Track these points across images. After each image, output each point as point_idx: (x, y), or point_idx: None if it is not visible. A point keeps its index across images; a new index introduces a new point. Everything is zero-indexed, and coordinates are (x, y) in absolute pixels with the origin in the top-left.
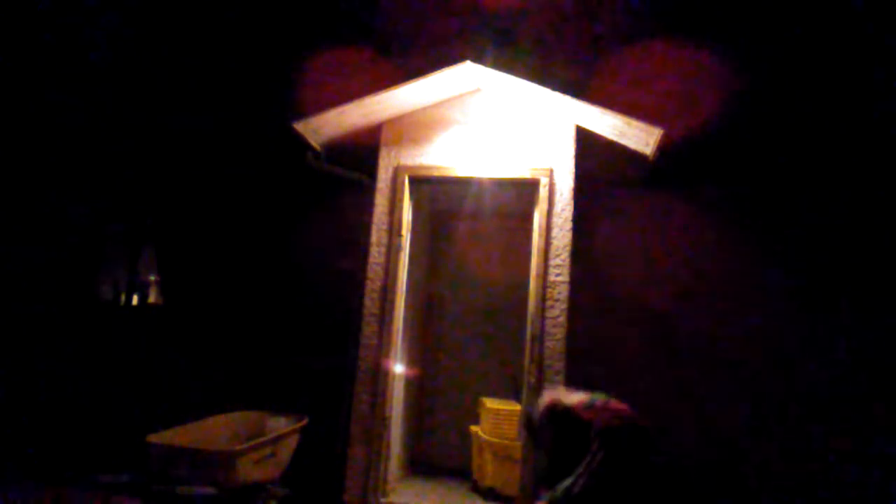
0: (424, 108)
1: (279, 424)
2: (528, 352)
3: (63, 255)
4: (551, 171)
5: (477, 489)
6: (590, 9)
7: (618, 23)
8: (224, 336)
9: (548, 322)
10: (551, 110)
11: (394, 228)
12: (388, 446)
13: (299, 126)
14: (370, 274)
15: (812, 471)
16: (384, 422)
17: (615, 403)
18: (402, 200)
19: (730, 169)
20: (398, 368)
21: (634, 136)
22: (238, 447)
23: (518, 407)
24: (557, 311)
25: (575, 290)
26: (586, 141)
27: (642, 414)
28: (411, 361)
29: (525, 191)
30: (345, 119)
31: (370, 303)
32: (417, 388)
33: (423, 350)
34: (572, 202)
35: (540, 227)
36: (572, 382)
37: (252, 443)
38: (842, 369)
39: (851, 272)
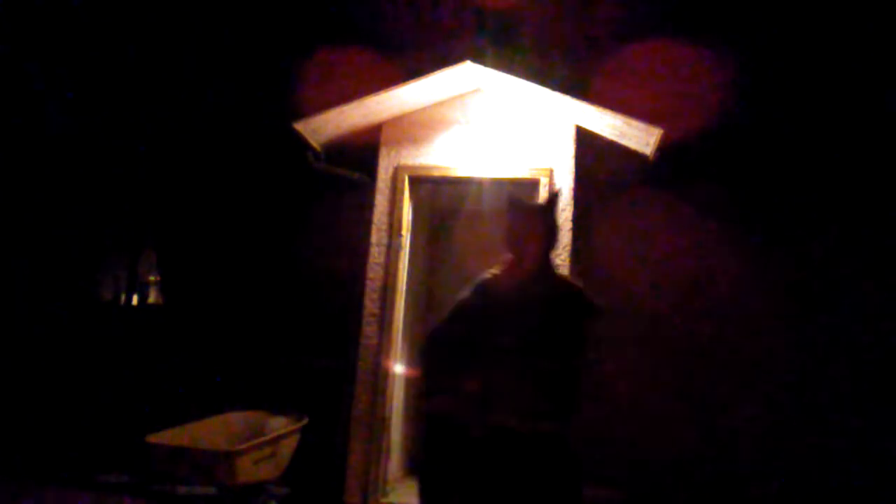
0: (424, 108)
1: (279, 424)
2: None
3: (63, 255)
4: (551, 171)
5: None
6: (590, 8)
7: (618, 22)
8: (224, 336)
9: None
10: (551, 110)
11: (394, 228)
12: (388, 446)
13: (299, 126)
14: (370, 274)
15: (813, 471)
16: (384, 422)
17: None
18: (402, 200)
19: (730, 169)
20: (398, 368)
21: (634, 136)
22: (238, 447)
23: None
24: None
25: None
26: (586, 141)
27: (641, 413)
28: (411, 362)
29: (525, 191)
30: (345, 119)
31: (370, 303)
32: (417, 388)
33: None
34: (572, 202)
35: None
36: None
37: (252, 443)
38: (843, 369)
39: (852, 272)
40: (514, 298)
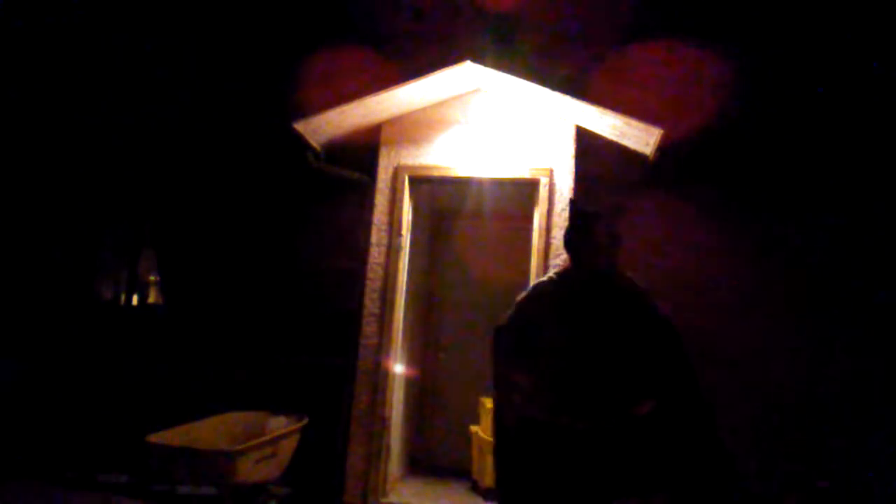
0: (424, 108)
1: (279, 424)
2: None
3: (63, 255)
4: (551, 171)
5: (477, 489)
6: (590, 8)
7: (618, 22)
8: (224, 336)
9: None
10: (551, 110)
11: (394, 228)
12: (388, 446)
13: (299, 126)
14: (370, 274)
15: (813, 470)
16: (384, 422)
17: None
18: (402, 200)
19: (730, 169)
20: (398, 368)
21: (634, 136)
22: (238, 447)
23: None
24: None
25: None
26: (586, 141)
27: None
28: (411, 361)
29: (525, 191)
30: (345, 119)
31: (370, 303)
32: (417, 388)
33: (423, 350)
34: None
35: (540, 227)
36: None
37: (252, 443)
38: (840, 370)
39: (851, 273)
40: (566, 300)
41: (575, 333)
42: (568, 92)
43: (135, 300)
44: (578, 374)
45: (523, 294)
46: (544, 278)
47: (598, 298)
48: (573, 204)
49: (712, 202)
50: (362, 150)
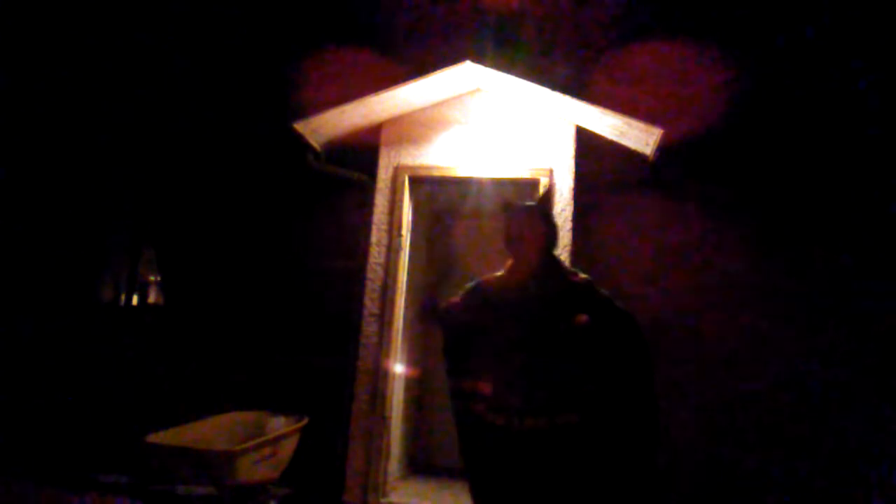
0: (424, 108)
1: (279, 424)
2: None
3: (63, 255)
4: (551, 171)
5: None
6: (590, 8)
7: (618, 23)
8: (224, 336)
9: None
10: (551, 110)
11: (394, 228)
12: (388, 446)
13: (299, 126)
14: (370, 274)
15: (812, 471)
16: (384, 421)
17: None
18: (402, 200)
19: (730, 169)
20: (398, 368)
21: (634, 136)
22: (238, 447)
23: None
24: None
25: None
26: (586, 141)
27: None
28: (411, 361)
29: (525, 191)
30: (345, 119)
31: (370, 303)
32: (417, 387)
33: (423, 350)
34: (572, 202)
35: None
36: None
37: (252, 443)
38: (843, 370)
39: (852, 272)
40: (513, 299)
41: (528, 330)
42: (568, 92)
43: (135, 300)
44: (536, 372)
45: (453, 300)
46: (482, 279)
47: (546, 293)
48: (505, 201)
49: (712, 201)
50: (362, 150)
